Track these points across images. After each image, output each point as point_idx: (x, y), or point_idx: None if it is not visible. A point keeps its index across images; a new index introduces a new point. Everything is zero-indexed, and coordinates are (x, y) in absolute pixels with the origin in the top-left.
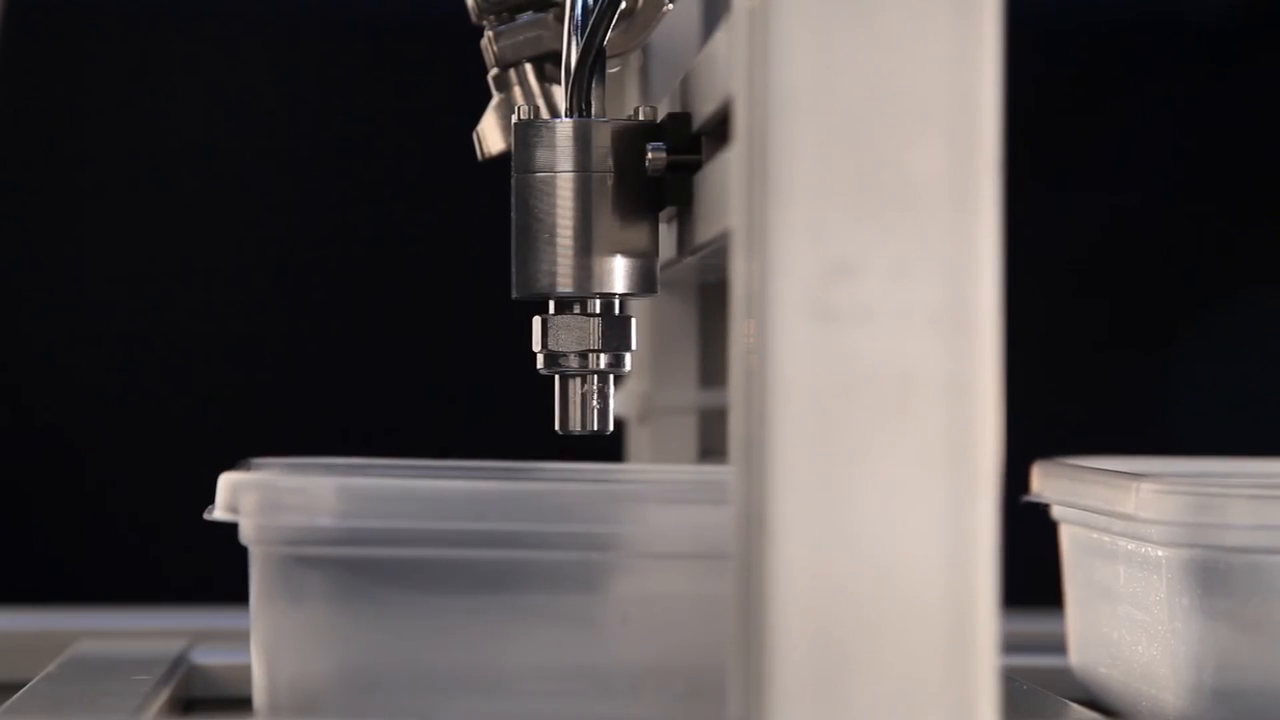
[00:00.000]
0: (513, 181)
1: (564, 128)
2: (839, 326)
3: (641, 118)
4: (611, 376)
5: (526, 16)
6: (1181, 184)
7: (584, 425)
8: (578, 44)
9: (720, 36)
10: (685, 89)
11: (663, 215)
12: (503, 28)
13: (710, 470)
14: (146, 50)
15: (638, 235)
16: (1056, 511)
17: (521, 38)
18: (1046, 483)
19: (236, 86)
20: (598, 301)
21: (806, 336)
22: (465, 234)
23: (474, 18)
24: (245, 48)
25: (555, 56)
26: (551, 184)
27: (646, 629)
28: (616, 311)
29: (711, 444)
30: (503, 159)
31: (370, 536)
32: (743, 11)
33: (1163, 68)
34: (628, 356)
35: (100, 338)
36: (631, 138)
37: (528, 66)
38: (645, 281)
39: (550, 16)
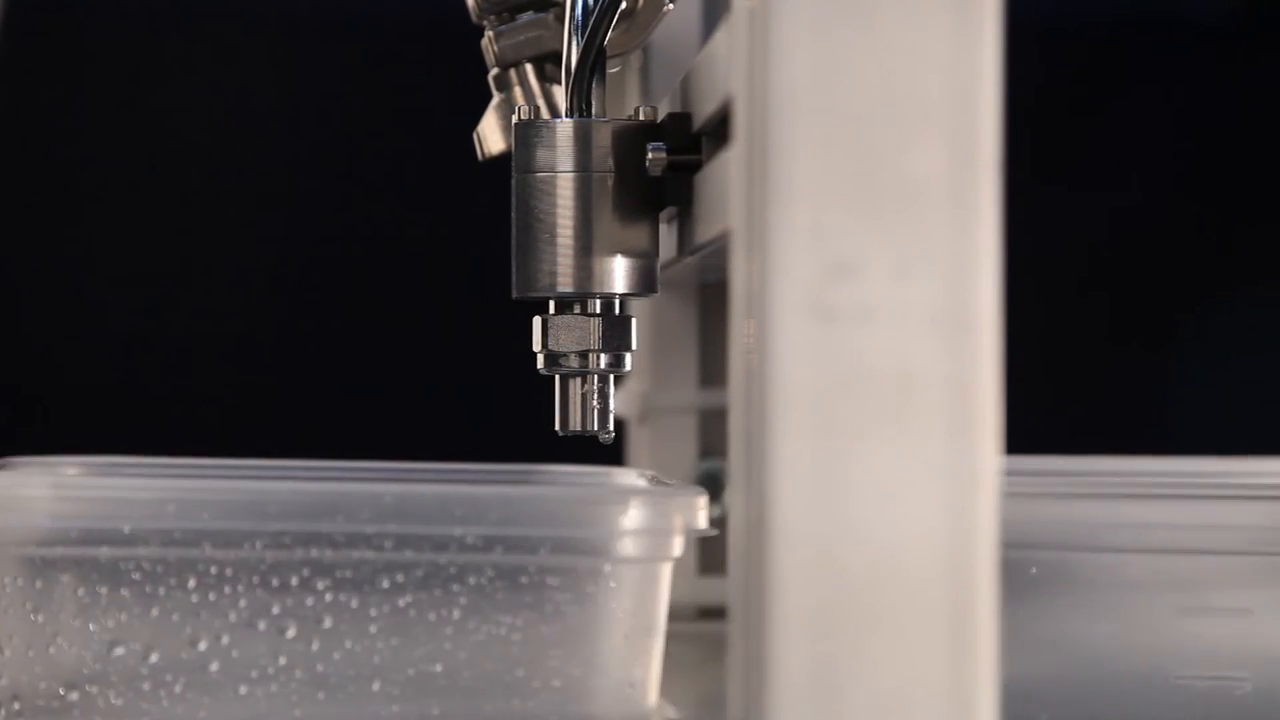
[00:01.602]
0: (513, 181)
1: (564, 128)
2: (839, 326)
3: (642, 118)
4: (612, 376)
5: (527, 16)
6: (1181, 184)
7: (584, 425)
8: (578, 44)
9: (720, 36)
10: (685, 89)
11: (663, 215)
12: (503, 28)
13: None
14: (146, 50)
15: (638, 235)
16: None
17: (522, 38)
18: None
19: (236, 86)
20: (598, 301)
21: (806, 336)
22: (465, 234)
23: (474, 18)
24: (245, 48)
25: (555, 56)
26: (552, 184)
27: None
28: (617, 311)
29: (711, 444)
30: (503, 159)
31: (70, 538)
32: (743, 11)
33: (1163, 68)
34: (628, 356)
35: (100, 338)
36: (632, 138)
37: (528, 66)
38: (645, 281)
39: (550, 16)
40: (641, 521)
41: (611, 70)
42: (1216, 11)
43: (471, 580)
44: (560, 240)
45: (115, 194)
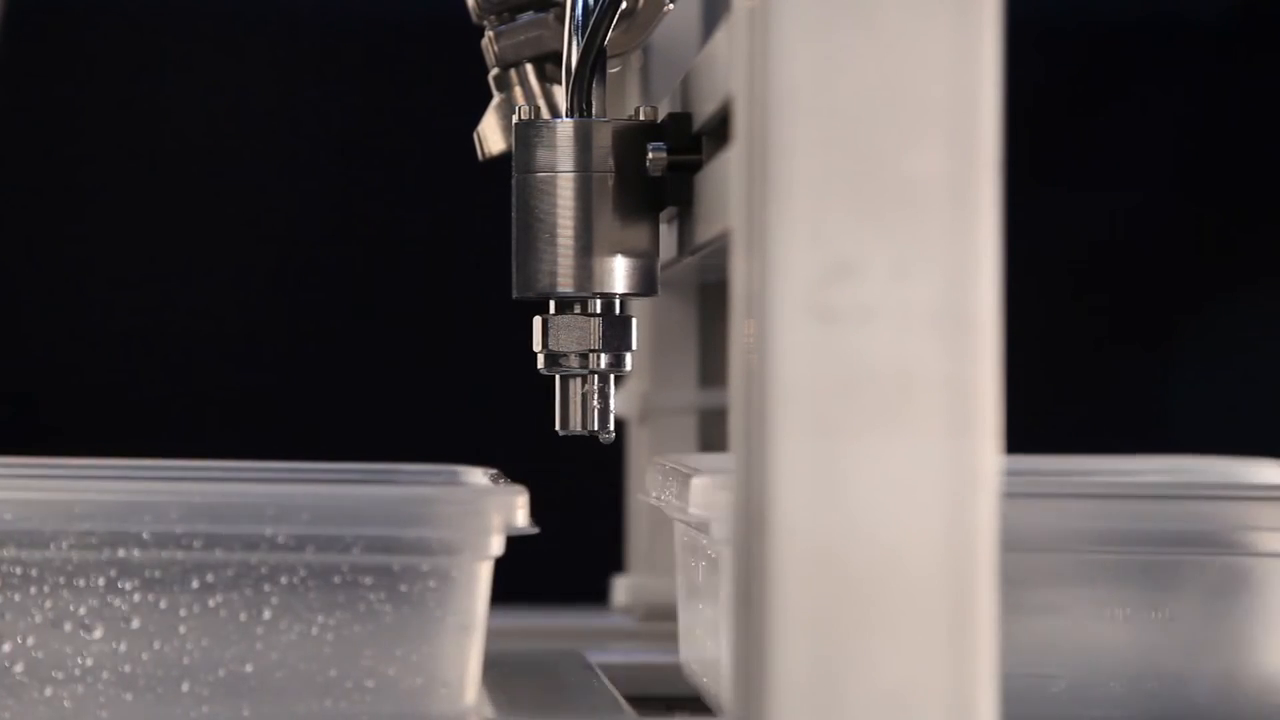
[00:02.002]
0: (513, 181)
1: (564, 128)
2: (839, 326)
3: (642, 118)
4: (612, 376)
5: (527, 16)
6: (1181, 184)
7: (584, 425)
8: (578, 44)
9: (720, 36)
10: (685, 89)
11: (663, 215)
12: (503, 28)
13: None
14: (146, 50)
15: (638, 235)
16: (668, 509)
17: (522, 38)
18: (658, 481)
19: (236, 86)
20: (598, 301)
21: (806, 336)
22: (465, 234)
23: (474, 18)
24: (245, 48)
25: (556, 56)
26: (552, 184)
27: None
28: (617, 311)
29: (711, 444)
30: (503, 159)
31: None
32: (743, 11)
33: (1163, 68)
34: (628, 356)
35: (100, 338)
36: (632, 138)
37: (528, 66)
38: (645, 281)
39: (551, 16)
40: (457, 520)
41: (611, 70)
42: (1216, 11)
43: (283, 580)
44: (560, 240)
45: (115, 194)
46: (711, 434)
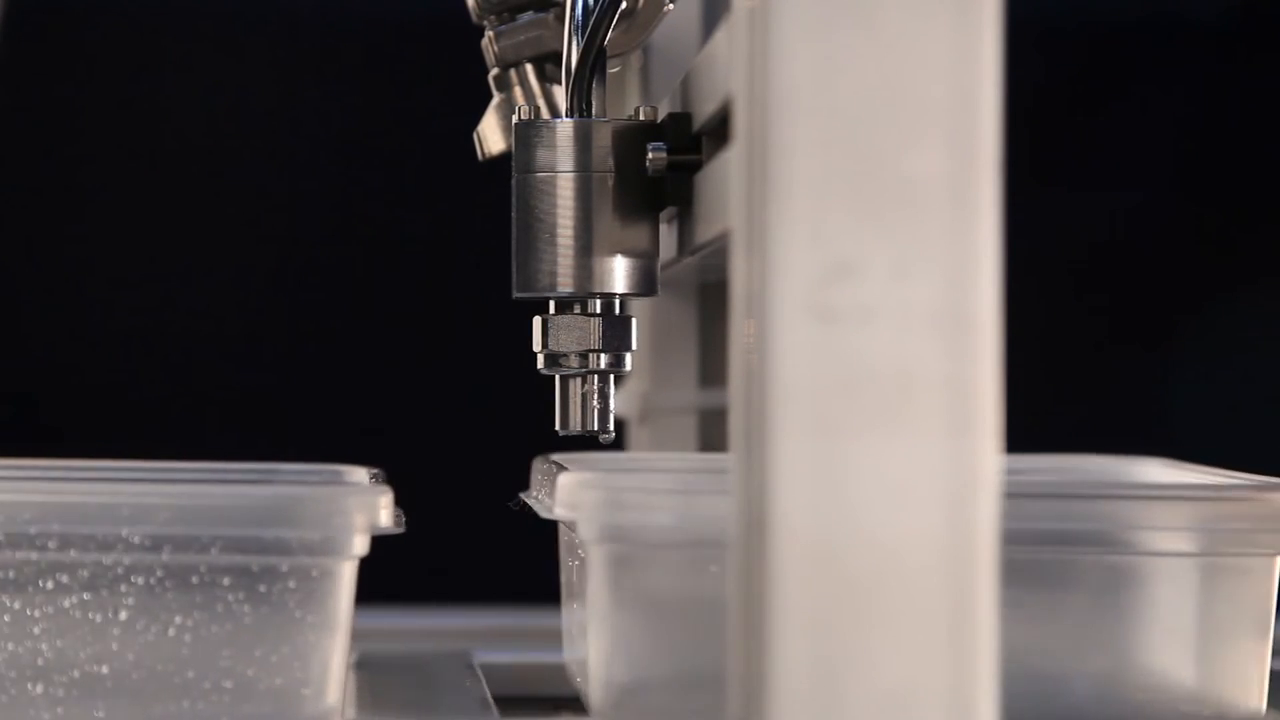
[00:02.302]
0: (513, 181)
1: (564, 128)
2: (839, 326)
3: (642, 118)
4: (612, 376)
5: (527, 16)
6: (1181, 184)
7: (584, 425)
8: (578, 44)
9: (720, 36)
10: (685, 89)
11: (663, 215)
12: (503, 28)
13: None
14: (146, 50)
15: (638, 235)
16: (538, 508)
17: (522, 38)
18: (537, 479)
19: (236, 86)
20: (598, 301)
21: (806, 336)
22: (465, 234)
23: (474, 18)
24: (245, 48)
25: (556, 56)
26: (552, 184)
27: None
28: (617, 311)
29: (711, 444)
30: (503, 159)
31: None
32: (743, 11)
33: (1163, 68)
34: (628, 356)
35: (100, 338)
36: (632, 138)
37: (528, 66)
38: (645, 281)
39: (551, 16)
40: (317, 520)
41: (611, 70)
42: (1216, 11)
43: (140, 580)
44: (560, 240)
45: (115, 194)
46: (711, 434)
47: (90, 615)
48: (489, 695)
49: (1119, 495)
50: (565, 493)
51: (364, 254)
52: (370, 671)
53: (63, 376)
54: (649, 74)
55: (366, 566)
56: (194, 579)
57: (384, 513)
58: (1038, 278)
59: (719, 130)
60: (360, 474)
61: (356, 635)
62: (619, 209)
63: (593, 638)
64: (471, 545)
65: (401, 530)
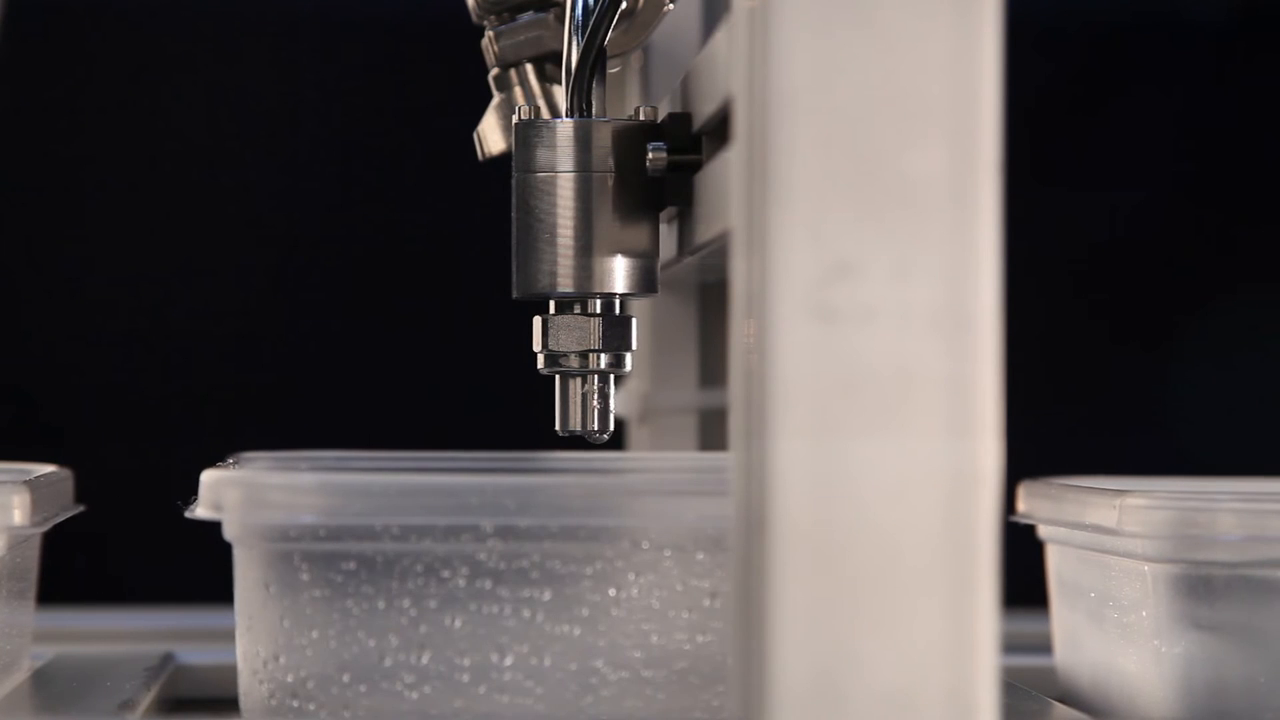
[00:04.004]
0: (513, 181)
1: (564, 128)
2: (839, 326)
3: (642, 118)
4: (612, 376)
5: (527, 16)
6: (1181, 184)
7: (584, 425)
8: (578, 44)
9: (720, 36)
10: (685, 89)
11: (663, 215)
12: (503, 28)
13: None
14: (146, 50)
15: (638, 235)
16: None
17: (522, 38)
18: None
19: (236, 86)
20: (598, 301)
21: (806, 336)
22: (465, 234)
23: (474, 18)
24: (245, 48)
25: (556, 56)
26: (552, 184)
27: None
28: (617, 311)
29: (711, 444)
30: (503, 159)
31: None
32: (743, 11)
33: (1163, 68)
34: (628, 356)
35: (100, 338)
36: (632, 138)
37: (528, 66)
38: (645, 281)
39: (551, 16)
40: None
41: (611, 70)
42: (1216, 11)
43: None
44: (560, 240)
45: (115, 194)
46: (711, 434)
47: None
48: (143, 697)
49: None
50: (209, 491)
51: (364, 254)
52: (46, 675)
53: (63, 376)
54: (649, 74)
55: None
56: None
57: (18, 513)
58: (1038, 278)
59: (719, 130)
60: (43, 470)
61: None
62: (619, 209)
63: (238, 639)
64: None
65: (36, 531)
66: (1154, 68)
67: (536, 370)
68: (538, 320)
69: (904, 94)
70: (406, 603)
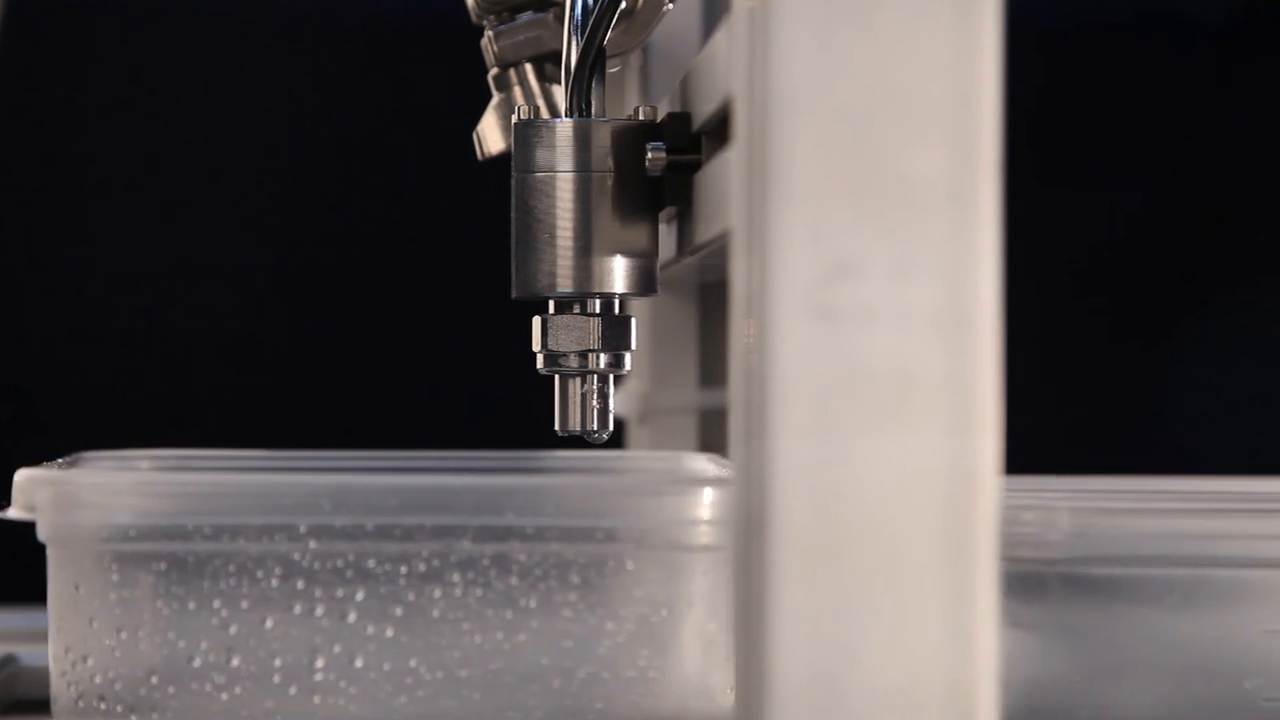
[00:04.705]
0: (513, 181)
1: (564, 128)
2: (839, 326)
3: (641, 118)
4: (611, 376)
5: (526, 16)
6: (1181, 184)
7: (584, 425)
8: (578, 44)
9: (720, 36)
10: (685, 89)
11: (663, 215)
12: (503, 27)
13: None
14: (146, 50)
15: (638, 235)
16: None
17: (521, 37)
18: None
19: (236, 86)
20: (598, 301)
21: (806, 336)
22: (465, 234)
23: (474, 17)
24: (245, 48)
25: (555, 56)
26: (551, 184)
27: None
28: (616, 311)
29: (711, 444)
30: (503, 159)
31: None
32: (743, 11)
33: (1163, 68)
34: (628, 356)
35: (100, 338)
36: (631, 137)
37: (528, 66)
38: (645, 281)
39: (550, 16)
40: None
41: (611, 70)
42: (1216, 11)
43: None
44: (560, 240)
45: (115, 194)
46: (711, 434)
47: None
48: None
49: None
50: (21, 491)
51: (364, 254)
52: None
53: (63, 376)
54: (649, 74)
55: None
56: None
57: None
58: (1038, 278)
59: (719, 130)
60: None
61: None
62: (619, 209)
63: (50, 640)
64: None
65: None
66: (1154, 68)
67: (536, 370)
68: (537, 320)
69: (904, 94)
70: (218, 603)
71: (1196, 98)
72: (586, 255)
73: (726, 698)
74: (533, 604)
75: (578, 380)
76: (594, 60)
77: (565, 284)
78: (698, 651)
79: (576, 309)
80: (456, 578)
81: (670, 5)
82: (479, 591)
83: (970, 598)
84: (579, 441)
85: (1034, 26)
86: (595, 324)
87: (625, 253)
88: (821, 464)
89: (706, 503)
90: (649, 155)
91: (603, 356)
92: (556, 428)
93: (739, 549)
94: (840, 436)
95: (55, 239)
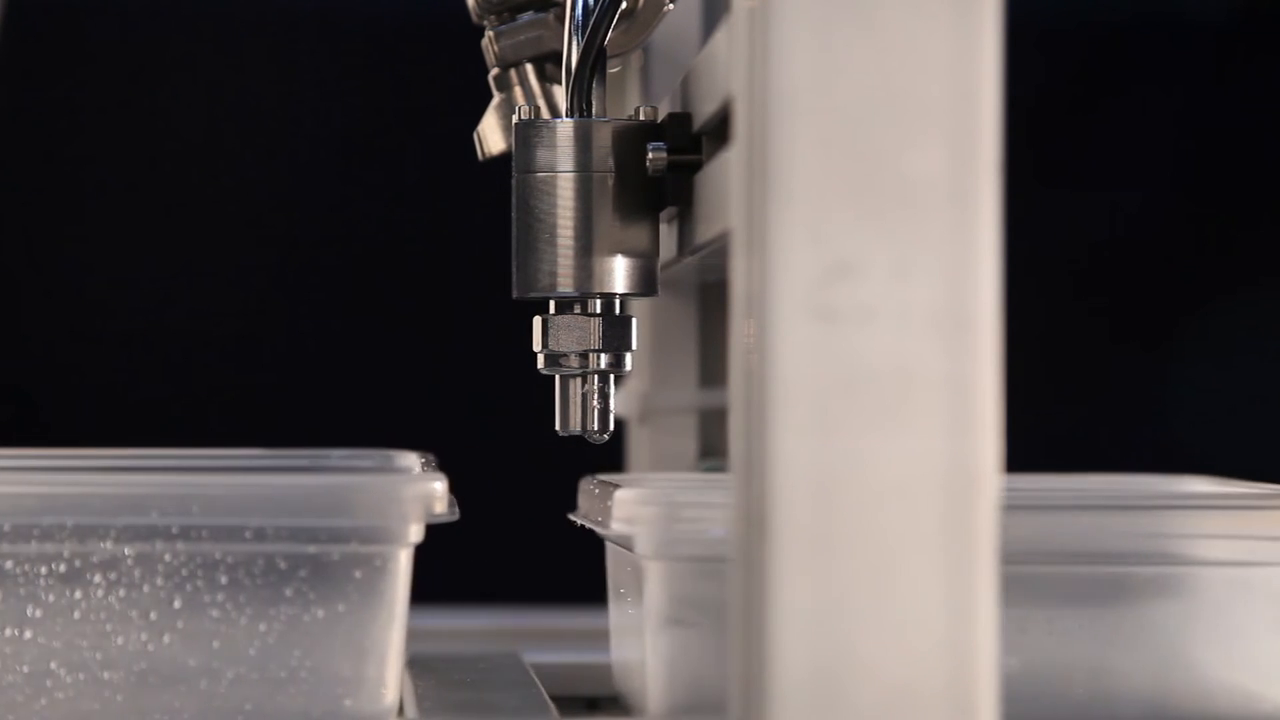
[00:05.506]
0: (513, 181)
1: (564, 128)
2: (839, 326)
3: (642, 118)
4: (612, 376)
5: (527, 16)
6: (1181, 184)
7: (584, 425)
8: (578, 44)
9: (720, 36)
10: (685, 89)
11: (663, 215)
12: (503, 28)
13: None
14: (146, 50)
15: (638, 235)
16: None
17: (522, 38)
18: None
19: (236, 86)
20: (598, 301)
21: (806, 336)
22: (465, 234)
23: (474, 18)
24: (245, 48)
25: (556, 56)
26: (552, 184)
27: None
28: (617, 311)
29: (711, 444)
30: (503, 159)
31: None
32: (743, 11)
33: (1163, 68)
34: (628, 356)
35: (100, 338)
36: (632, 138)
37: (528, 66)
38: (645, 281)
39: (551, 16)
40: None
41: (611, 70)
42: (1216, 11)
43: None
44: (560, 240)
45: (115, 194)
46: (711, 434)
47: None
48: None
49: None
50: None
51: (364, 254)
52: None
53: (63, 376)
54: (649, 74)
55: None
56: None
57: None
58: (1038, 278)
59: (719, 130)
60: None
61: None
62: (619, 209)
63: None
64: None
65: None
66: (1154, 68)
67: (536, 370)
68: (538, 320)
69: (904, 94)
70: None
71: (1196, 98)
72: (587, 255)
73: (386, 696)
74: (178, 605)
75: (578, 380)
76: (595, 60)
77: (566, 284)
78: (352, 651)
79: (577, 309)
80: (99, 579)
81: (671, 5)
82: (122, 592)
83: (970, 596)
84: (580, 442)
85: (1034, 26)
86: (596, 324)
87: (626, 253)
88: (821, 464)
89: (366, 505)
90: (650, 155)
91: (603, 356)
92: (557, 428)
93: (739, 548)
94: (840, 436)
95: (55, 239)
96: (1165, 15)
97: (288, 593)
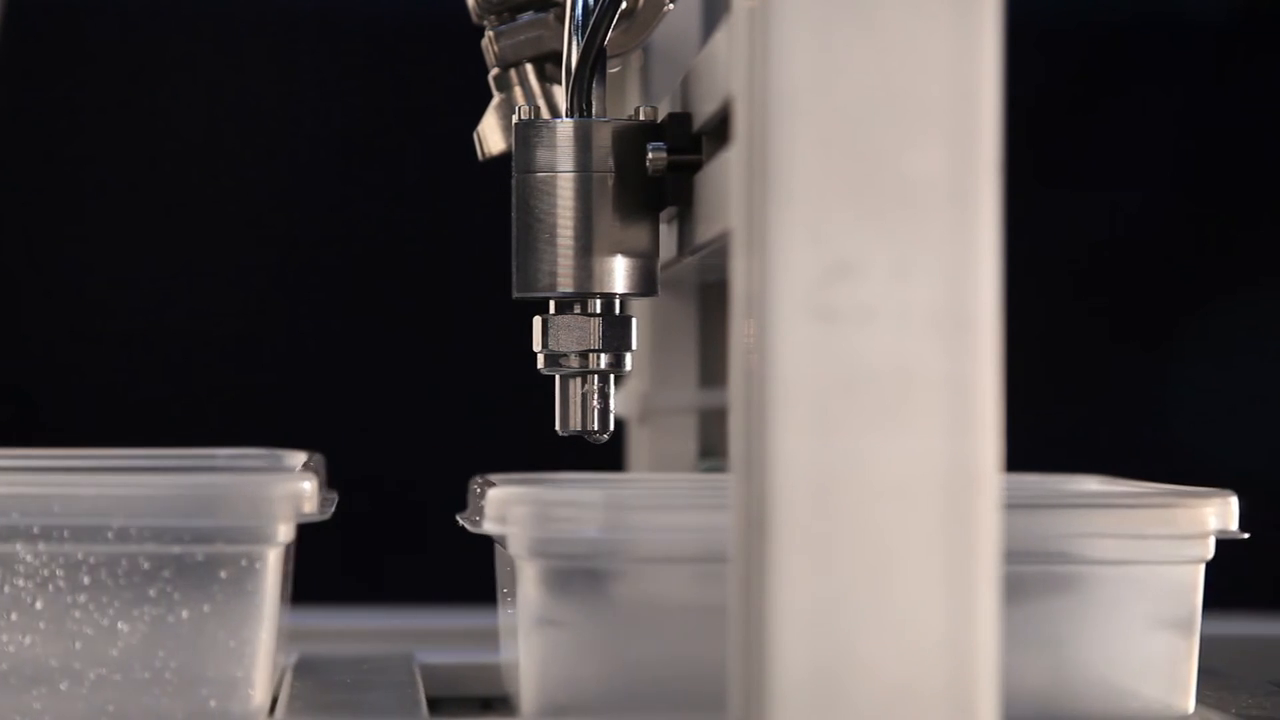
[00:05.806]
0: (513, 181)
1: (564, 128)
2: (839, 326)
3: (642, 118)
4: (612, 376)
5: (527, 16)
6: (1181, 184)
7: (584, 425)
8: (578, 44)
9: (720, 36)
10: (685, 89)
11: (663, 215)
12: (503, 28)
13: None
14: (146, 50)
15: (638, 235)
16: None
17: (522, 38)
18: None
19: (236, 86)
20: (598, 301)
21: (806, 336)
22: (465, 234)
23: (474, 18)
24: (245, 48)
25: (556, 56)
26: (552, 184)
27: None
28: (617, 311)
29: (711, 444)
30: (503, 159)
31: None
32: (743, 11)
33: (1163, 68)
34: (628, 356)
35: (100, 338)
36: (632, 138)
37: (528, 66)
38: (645, 281)
39: (551, 16)
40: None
41: (611, 70)
42: (1216, 11)
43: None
44: (560, 240)
45: (115, 194)
46: (711, 434)
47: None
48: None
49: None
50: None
51: (364, 254)
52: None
53: (63, 376)
54: (649, 74)
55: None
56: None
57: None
58: (1038, 278)
59: (719, 130)
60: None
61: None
62: (619, 209)
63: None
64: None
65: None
66: (1154, 68)
67: (536, 370)
68: (538, 320)
69: (904, 94)
70: None
71: (1196, 98)
72: (587, 255)
73: (255, 697)
74: (40, 605)
75: (578, 380)
76: (595, 60)
77: (566, 284)
78: (218, 652)
79: (577, 309)
80: None
81: (671, 5)
82: None
83: (970, 596)
84: (580, 441)
85: (1034, 26)
86: (596, 324)
87: (626, 253)
88: (821, 463)
89: (231, 505)
90: (650, 155)
91: (603, 356)
92: (557, 428)
93: (740, 550)
94: (840, 436)
95: (55, 239)
96: (1165, 15)
97: (151, 593)
